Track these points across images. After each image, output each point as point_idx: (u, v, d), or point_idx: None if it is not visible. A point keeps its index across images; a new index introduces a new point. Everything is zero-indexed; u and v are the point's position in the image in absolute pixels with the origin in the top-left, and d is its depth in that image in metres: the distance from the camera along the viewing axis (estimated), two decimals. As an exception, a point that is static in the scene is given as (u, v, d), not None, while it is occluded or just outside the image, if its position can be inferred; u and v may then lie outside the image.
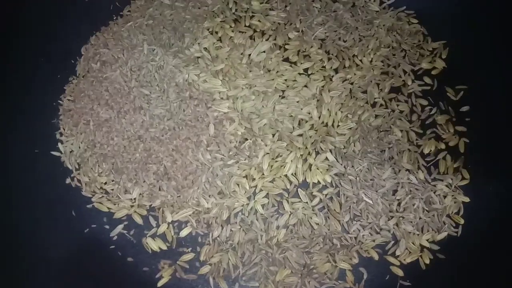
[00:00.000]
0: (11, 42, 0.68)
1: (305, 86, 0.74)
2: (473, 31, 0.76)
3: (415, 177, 0.68)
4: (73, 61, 0.76)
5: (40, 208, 0.63)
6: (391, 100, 0.74)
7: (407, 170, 0.68)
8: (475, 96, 0.73)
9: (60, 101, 0.72)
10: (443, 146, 0.71)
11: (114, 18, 0.80)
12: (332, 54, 0.77)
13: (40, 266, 0.58)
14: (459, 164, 0.69)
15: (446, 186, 0.67)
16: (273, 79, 0.74)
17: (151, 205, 0.66)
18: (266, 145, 0.69)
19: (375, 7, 0.81)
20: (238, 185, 0.67)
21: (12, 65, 0.68)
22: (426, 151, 0.70)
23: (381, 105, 0.73)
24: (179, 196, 0.65)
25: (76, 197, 0.66)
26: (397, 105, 0.73)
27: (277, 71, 0.75)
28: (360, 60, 0.77)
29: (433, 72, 0.76)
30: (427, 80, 0.76)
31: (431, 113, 0.73)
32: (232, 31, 0.78)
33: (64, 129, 0.71)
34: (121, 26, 0.79)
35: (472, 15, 0.76)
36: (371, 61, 0.77)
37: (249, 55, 0.75)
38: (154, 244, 0.64)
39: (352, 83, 0.75)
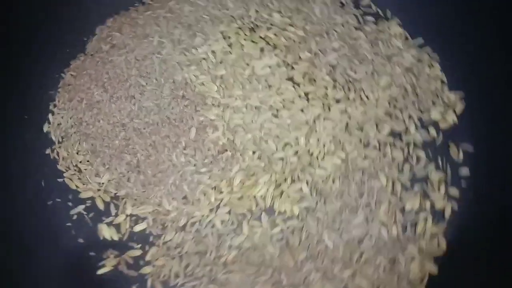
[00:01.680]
0: (29, 7, 0.71)
1: (301, 110, 0.71)
2: (496, 90, 0.69)
3: (387, 231, 0.64)
4: (85, 39, 0.78)
5: (12, 171, 0.65)
6: (387, 144, 0.69)
7: (381, 222, 0.64)
8: (478, 162, 0.67)
9: (63, 74, 0.74)
10: (428, 206, 0.66)
11: (136, 4, 0.81)
12: (339, 83, 0.73)
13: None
14: (439, 230, 0.64)
15: (417, 250, 0.63)
16: (270, 96, 0.72)
17: (116, 193, 0.67)
18: (243, 161, 0.68)
19: (399, 43, 0.77)
20: (204, 194, 0.66)
21: (26, 29, 0.70)
22: (408, 207, 0.65)
23: (375, 147, 0.69)
24: (144, 191, 0.66)
25: (51, 169, 0.68)
26: (391, 151, 0.69)
27: (278, 88, 0.73)
28: (366, 96, 0.72)
29: (441, 125, 0.71)
30: (432, 131, 0.71)
31: (425, 167, 0.68)
32: (245, 39, 0.77)
33: (58, 102, 0.73)
34: (139, 14, 0.80)
35: (499, 73, 0.69)
36: (377, 99, 0.72)
37: (254, 67, 0.74)
38: (107, 232, 0.65)
39: (350, 117, 0.71)
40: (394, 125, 0.71)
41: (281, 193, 0.67)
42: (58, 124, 0.71)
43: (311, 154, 0.69)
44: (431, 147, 0.70)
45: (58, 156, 0.69)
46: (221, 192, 0.66)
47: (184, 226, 0.65)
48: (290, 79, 0.74)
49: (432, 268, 0.61)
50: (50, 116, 0.72)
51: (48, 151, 0.69)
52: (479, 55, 0.71)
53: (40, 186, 0.67)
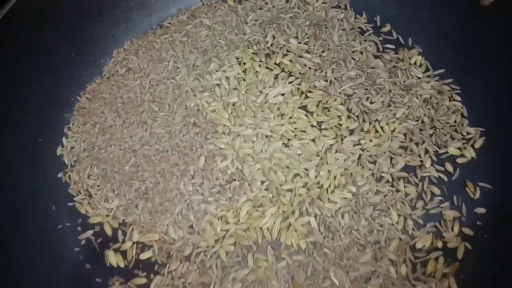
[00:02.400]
0: (49, 31, 0.72)
1: (313, 140, 0.70)
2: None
3: (396, 271, 0.62)
4: (102, 61, 0.79)
5: (25, 194, 0.66)
6: (400, 179, 0.67)
7: (390, 260, 0.62)
8: (495, 200, 0.65)
9: (78, 97, 0.76)
10: (440, 245, 0.63)
11: (154, 27, 0.82)
12: (353, 113, 0.72)
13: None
14: (451, 271, 0.62)
15: (427, 292, 0.61)
16: (282, 125, 0.71)
17: (124, 220, 0.67)
18: (251, 191, 0.67)
19: (418, 73, 0.75)
20: (210, 224, 0.66)
21: (43, 54, 0.72)
22: (418, 246, 0.63)
23: (387, 181, 0.67)
24: (151, 219, 0.66)
25: (62, 192, 0.69)
26: (405, 187, 0.67)
27: (290, 117, 0.72)
28: (382, 127, 0.71)
29: (458, 160, 0.68)
30: (448, 167, 0.68)
31: (440, 205, 0.66)
32: (260, 65, 0.76)
33: (73, 125, 0.74)
34: (156, 37, 0.80)
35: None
36: (393, 131, 0.71)
37: (267, 94, 0.73)
38: (114, 258, 0.65)
39: (363, 150, 0.69)
40: (409, 160, 0.68)
41: (288, 226, 0.65)
42: (71, 148, 0.72)
43: (321, 187, 0.67)
44: (446, 184, 0.67)
45: (70, 179, 0.70)
46: (227, 223, 0.66)
47: (189, 256, 0.64)
48: (303, 107, 0.73)
49: (442, 313, 0.59)
50: (64, 139, 0.73)
51: (60, 174, 0.70)
52: (502, 90, 0.68)
53: (51, 209, 0.68)
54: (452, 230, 0.64)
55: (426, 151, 0.69)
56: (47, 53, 0.72)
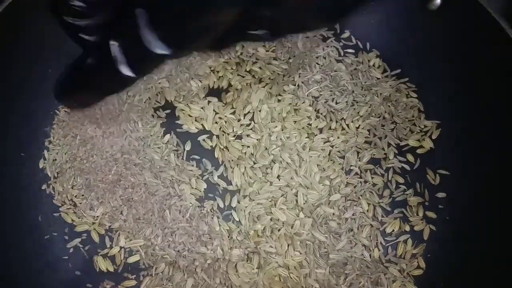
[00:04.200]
0: (27, 47, 0.74)
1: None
2: (468, 117, 0.74)
3: (370, 255, 0.67)
4: (79, 76, 0.81)
5: (10, 207, 0.67)
6: (367, 171, 0.73)
7: (363, 245, 0.68)
8: (454, 185, 0.71)
9: (57, 111, 0.78)
10: (407, 228, 0.70)
11: (127, 42, 0.85)
12: (321, 114, 0.78)
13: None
14: (419, 251, 0.68)
15: (399, 271, 0.66)
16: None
17: (110, 226, 0.69)
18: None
19: (377, 74, 0.81)
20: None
21: (21, 70, 0.73)
22: (388, 230, 0.69)
23: (356, 173, 0.73)
24: (136, 224, 0.69)
25: (47, 204, 0.71)
26: (372, 178, 0.73)
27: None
28: (347, 125, 0.77)
29: (418, 151, 0.75)
30: (410, 158, 0.75)
31: (405, 192, 0.72)
32: (231, 73, 0.81)
33: (53, 138, 0.76)
34: (130, 51, 0.84)
35: (471, 102, 0.73)
36: (357, 128, 0.77)
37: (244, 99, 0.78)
38: (103, 264, 0.67)
39: (333, 146, 0.75)
40: (374, 153, 0.74)
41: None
42: (53, 160, 0.74)
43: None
44: (409, 173, 0.73)
45: (54, 191, 0.72)
46: (211, 223, 0.70)
47: (175, 258, 0.67)
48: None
49: (413, 289, 0.65)
50: (45, 152, 0.74)
51: (44, 186, 0.72)
52: (453, 86, 0.75)
53: (37, 221, 0.69)
54: (417, 214, 0.70)
55: (389, 144, 0.75)
56: (25, 69, 0.74)
